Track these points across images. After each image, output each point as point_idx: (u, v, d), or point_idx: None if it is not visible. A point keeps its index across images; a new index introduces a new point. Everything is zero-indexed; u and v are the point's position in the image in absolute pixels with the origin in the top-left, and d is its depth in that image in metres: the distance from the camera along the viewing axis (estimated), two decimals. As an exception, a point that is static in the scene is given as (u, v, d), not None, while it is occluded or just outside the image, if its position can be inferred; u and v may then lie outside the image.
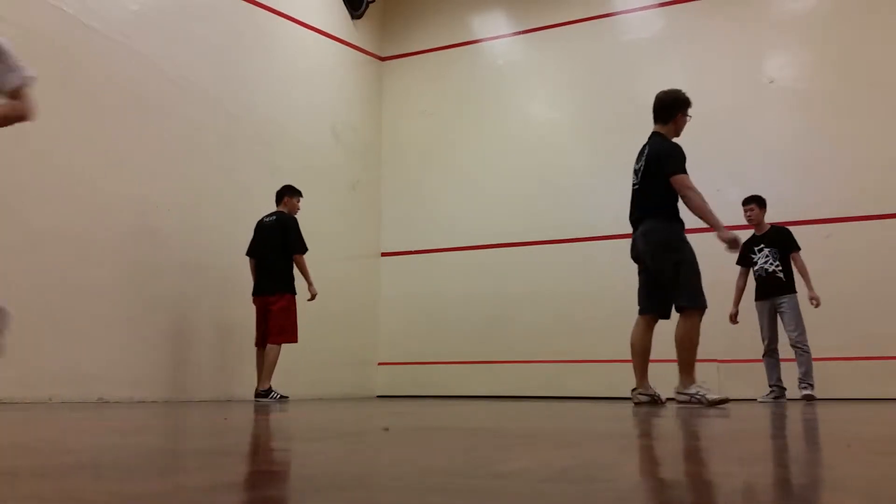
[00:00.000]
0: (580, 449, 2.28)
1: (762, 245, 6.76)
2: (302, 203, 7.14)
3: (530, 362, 8.15)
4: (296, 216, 6.78)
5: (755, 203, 6.82)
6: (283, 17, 8.17)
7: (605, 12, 8.48)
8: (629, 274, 8.09)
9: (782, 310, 6.64)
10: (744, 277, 6.82)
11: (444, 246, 8.92)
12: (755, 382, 7.24)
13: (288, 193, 6.84)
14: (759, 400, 6.71)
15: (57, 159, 5.96)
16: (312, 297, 6.65)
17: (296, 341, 6.59)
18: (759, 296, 6.79)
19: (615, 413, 4.61)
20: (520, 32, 8.95)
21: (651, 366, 5.34)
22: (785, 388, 6.66)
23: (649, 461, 1.84)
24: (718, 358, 7.40)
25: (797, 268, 6.69)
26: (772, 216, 7.43)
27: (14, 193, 5.67)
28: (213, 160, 7.21)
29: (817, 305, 6.59)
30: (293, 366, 7.48)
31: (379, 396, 8.83)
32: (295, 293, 6.58)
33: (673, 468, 1.68)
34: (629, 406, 5.66)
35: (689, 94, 8.16)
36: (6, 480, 1.47)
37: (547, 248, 8.37)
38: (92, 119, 6.22)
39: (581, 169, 8.36)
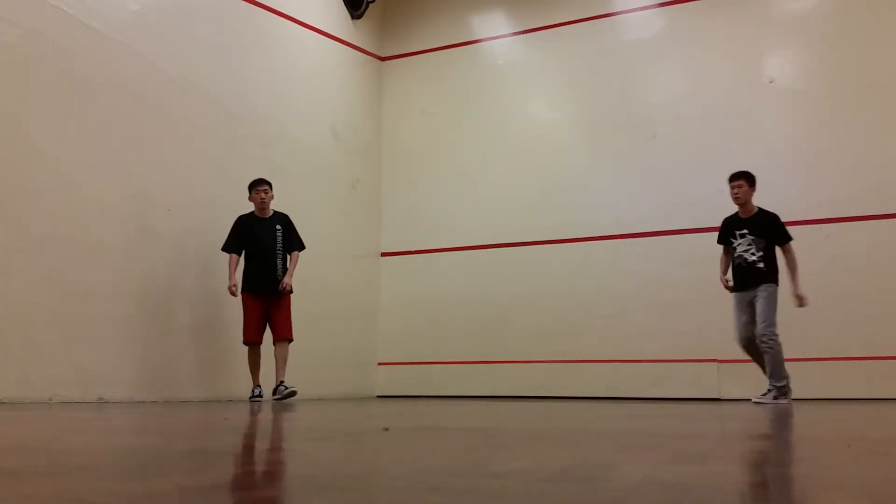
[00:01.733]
0: (580, 449, 2.28)
1: (745, 230, 6.26)
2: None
3: (530, 362, 8.14)
4: (260, 208, 6.58)
5: (744, 179, 6.27)
6: (283, 17, 8.16)
7: (605, 12, 8.47)
8: (629, 274, 8.13)
9: (758, 298, 6.12)
10: (728, 254, 6.39)
11: (444, 246, 8.92)
12: (756, 382, 7.24)
13: (249, 190, 6.65)
14: (753, 400, 6.41)
15: (57, 159, 5.95)
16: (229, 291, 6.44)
17: (244, 339, 6.44)
18: (736, 287, 6.29)
19: (615, 413, 4.61)
20: (520, 32, 8.95)
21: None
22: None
23: (648, 461, 1.84)
24: (718, 358, 7.40)
25: (787, 261, 6.16)
26: (772, 216, 7.43)
27: (14, 193, 5.66)
28: (213, 160, 7.21)
29: (800, 305, 6.10)
30: (293, 365, 7.47)
31: (379, 396, 8.83)
32: (243, 291, 6.47)
33: (673, 468, 1.68)
34: (628, 406, 5.66)
35: (689, 94, 8.20)
36: (6, 480, 1.47)
37: (547, 248, 8.37)
38: (92, 119, 6.21)
39: (581, 169, 8.36)
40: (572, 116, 8.62)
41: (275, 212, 6.72)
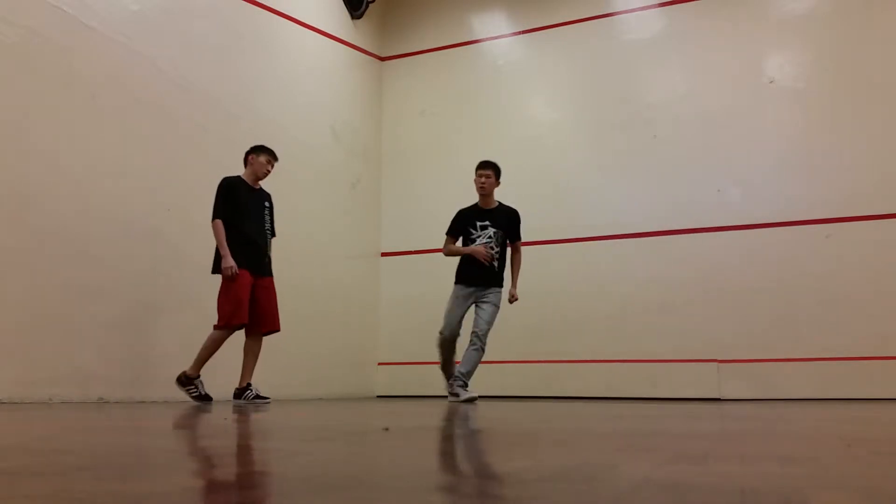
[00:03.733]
0: (580, 449, 2.28)
1: (487, 223, 6.18)
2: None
3: (530, 362, 8.14)
4: (258, 179, 5.99)
5: (492, 170, 6.23)
6: (283, 17, 8.16)
7: (605, 12, 8.47)
8: (629, 274, 8.12)
9: (487, 301, 6.04)
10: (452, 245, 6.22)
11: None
12: (756, 382, 7.24)
13: (252, 152, 6.00)
14: (449, 400, 6.24)
15: (57, 159, 5.95)
16: (227, 273, 5.66)
17: (221, 326, 5.72)
18: (464, 280, 6.13)
19: (615, 413, 4.61)
20: (520, 32, 8.94)
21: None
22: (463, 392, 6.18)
23: (649, 461, 1.84)
24: (718, 358, 7.40)
25: (514, 260, 6.15)
26: (772, 216, 7.42)
27: (13, 193, 5.66)
28: (213, 160, 7.20)
29: (513, 301, 6.13)
30: (292, 365, 7.48)
31: (379, 396, 8.83)
32: (239, 267, 5.76)
33: (673, 468, 1.68)
34: (628, 406, 5.66)
35: (689, 94, 8.20)
36: (6, 480, 1.47)
37: (546, 248, 8.35)
38: (92, 119, 6.21)
39: (581, 169, 8.35)
40: (572, 116, 8.61)
41: (261, 186, 6.15)
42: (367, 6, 9.18)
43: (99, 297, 6.08)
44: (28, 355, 5.60)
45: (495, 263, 6.15)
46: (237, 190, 5.88)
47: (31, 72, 5.83)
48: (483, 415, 4.46)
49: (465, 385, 6.08)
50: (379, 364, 9.02)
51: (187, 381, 5.77)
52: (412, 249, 9.07)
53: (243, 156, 6.19)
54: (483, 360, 8.45)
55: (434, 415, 4.40)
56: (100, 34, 6.30)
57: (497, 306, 6.11)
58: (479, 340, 6.06)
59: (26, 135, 5.79)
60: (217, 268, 5.83)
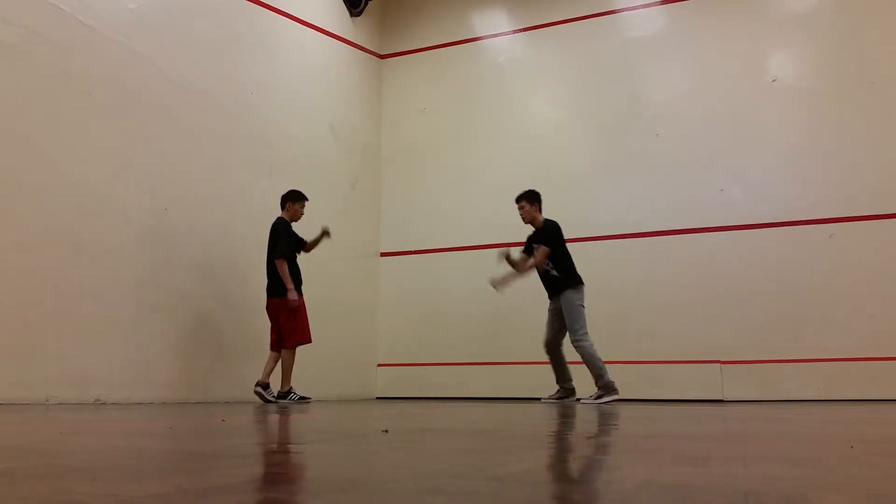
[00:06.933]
0: (581, 451, 2.27)
1: (533, 242, 6.78)
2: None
3: (531, 363, 8.11)
4: (291, 221, 6.72)
5: (525, 200, 6.77)
6: (283, 16, 8.15)
7: (606, 10, 8.45)
8: (629, 274, 8.10)
9: (563, 308, 6.58)
10: (524, 263, 6.73)
11: (443, 246, 8.90)
12: (758, 383, 7.23)
13: (290, 199, 6.79)
14: (542, 400, 6.78)
15: (57, 159, 5.94)
16: (291, 305, 6.52)
17: (310, 341, 6.61)
18: (548, 295, 6.79)
19: (616, 414, 4.60)
20: (520, 30, 8.93)
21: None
22: (573, 388, 6.76)
23: (650, 463, 1.83)
24: (721, 359, 7.38)
25: (534, 256, 6.60)
26: (774, 215, 7.42)
27: (12, 193, 5.65)
28: (213, 160, 7.19)
29: (495, 287, 6.78)
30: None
31: (378, 398, 8.81)
32: (299, 294, 6.57)
33: (675, 469, 1.66)
34: (628, 407, 5.65)
35: (691, 93, 8.18)
36: (3, 482, 1.46)
37: (547, 247, 8.34)
38: (91, 118, 6.20)
39: (581, 168, 8.33)
40: (573, 115, 8.59)
41: None
42: (366, 3, 9.16)
43: (96, 297, 6.07)
44: (25, 356, 5.58)
45: (554, 273, 6.62)
46: (291, 230, 6.70)
47: (29, 71, 5.82)
48: (484, 417, 4.45)
49: (599, 392, 6.56)
50: (378, 365, 9.00)
51: (286, 394, 6.56)
52: (412, 249, 9.05)
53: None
54: (485, 361, 8.49)
55: (434, 417, 4.39)
56: (99, 33, 6.29)
57: (569, 308, 6.53)
58: (577, 351, 6.57)
59: (24, 134, 5.78)
60: (283, 293, 6.51)
